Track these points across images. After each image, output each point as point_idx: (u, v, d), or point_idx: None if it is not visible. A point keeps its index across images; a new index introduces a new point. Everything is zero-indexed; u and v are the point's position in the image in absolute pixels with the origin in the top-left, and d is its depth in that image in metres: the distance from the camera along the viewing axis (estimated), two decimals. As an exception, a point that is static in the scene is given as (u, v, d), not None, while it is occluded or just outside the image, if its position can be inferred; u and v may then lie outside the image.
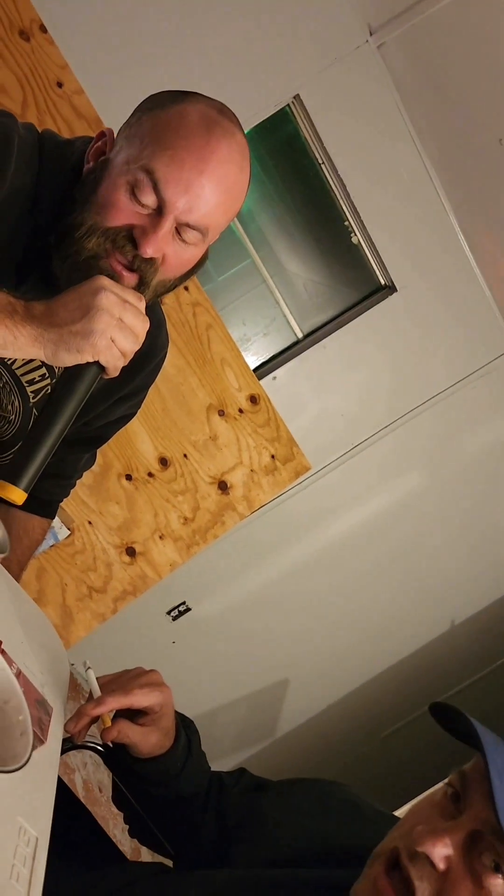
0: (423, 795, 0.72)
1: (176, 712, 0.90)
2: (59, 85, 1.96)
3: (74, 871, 0.84)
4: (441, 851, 0.62)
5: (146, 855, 2.03)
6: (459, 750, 0.71)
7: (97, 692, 0.81)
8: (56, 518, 2.11)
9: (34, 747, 0.52)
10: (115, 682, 0.84)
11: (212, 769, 0.96)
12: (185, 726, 0.91)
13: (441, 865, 0.62)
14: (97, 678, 0.85)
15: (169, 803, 0.88)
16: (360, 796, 0.89)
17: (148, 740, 0.83)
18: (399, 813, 0.91)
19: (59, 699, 0.81)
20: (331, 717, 3.15)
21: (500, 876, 0.61)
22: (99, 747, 0.89)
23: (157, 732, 0.84)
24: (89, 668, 0.84)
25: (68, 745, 0.98)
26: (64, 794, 0.91)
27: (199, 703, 2.97)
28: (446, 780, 0.70)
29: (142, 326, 0.81)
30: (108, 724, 0.80)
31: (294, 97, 2.41)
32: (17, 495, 0.75)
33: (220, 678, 2.96)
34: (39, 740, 0.60)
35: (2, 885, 0.56)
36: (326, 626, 3.00)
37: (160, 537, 2.26)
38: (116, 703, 0.80)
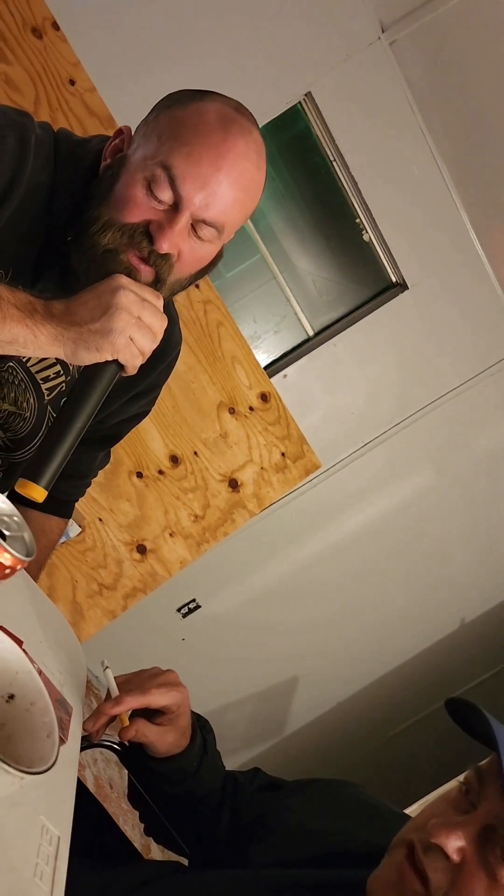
0: (438, 792, 0.73)
1: (192, 712, 0.90)
2: (72, 83, 1.96)
3: (89, 868, 0.84)
4: (455, 843, 0.63)
5: (157, 850, 2.04)
6: (466, 749, 0.72)
7: (115, 691, 0.81)
8: (67, 515, 2.12)
9: (60, 743, 0.52)
10: (133, 682, 0.84)
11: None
12: (200, 726, 0.92)
13: (455, 857, 0.63)
14: (114, 677, 0.85)
15: (184, 801, 0.89)
16: (375, 797, 0.89)
17: (164, 739, 0.84)
18: (410, 811, 0.92)
19: (77, 698, 0.82)
20: (339, 715, 3.16)
21: None
22: (116, 746, 0.90)
23: (173, 732, 0.85)
24: (107, 667, 0.84)
25: (86, 743, 0.99)
26: (77, 790, 0.92)
27: (207, 700, 2.98)
28: (461, 777, 0.71)
29: (160, 325, 0.82)
30: (126, 723, 0.81)
31: (306, 94, 2.40)
32: (39, 493, 0.75)
33: (230, 675, 2.97)
34: (61, 740, 0.61)
35: (26, 883, 0.56)
36: (335, 623, 3.00)
37: (170, 535, 2.26)
38: (135, 702, 0.80)
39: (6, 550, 0.59)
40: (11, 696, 0.53)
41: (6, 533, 0.60)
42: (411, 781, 2.82)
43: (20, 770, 0.45)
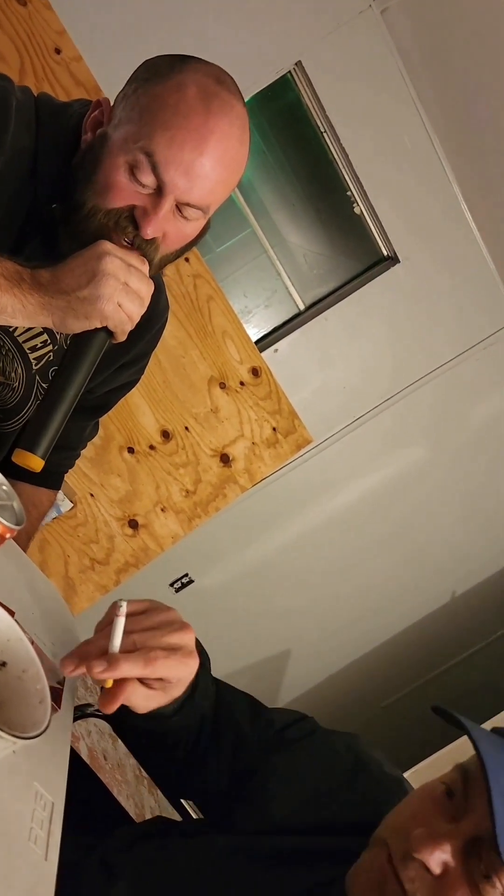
0: (422, 787, 0.71)
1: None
2: (57, 51, 1.93)
3: (74, 833, 0.83)
4: (439, 857, 0.61)
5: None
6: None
7: (115, 647, 0.66)
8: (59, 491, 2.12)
9: (52, 711, 0.52)
10: (139, 637, 0.68)
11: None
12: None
13: (437, 871, 0.61)
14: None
15: (155, 741, 0.80)
16: (371, 753, 0.88)
17: (149, 705, 0.73)
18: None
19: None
20: (332, 687, 3.19)
21: (499, 883, 0.60)
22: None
23: (163, 699, 0.74)
24: (120, 615, 0.67)
25: (79, 713, 0.99)
26: (72, 761, 0.92)
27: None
28: (445, 777, 0.69)
29: (147, 289, 0.82)
30: (109, 685, 0.67)
31: (296, 64, 2.37)
32: (36, 462, 0.76)
33: (223, 649, 2.99)
34: (54, 708, 0.61)
35: (21, 846, 0.57)
36: (328, 597, 3.02)
37: (162, 510, 2.27)
38: (131, 671, 0.66)
39: (-4, 519, 0.59)
40: (3, 664, 0.54)
41: (-5, 502, 0.60)
42: (403, 751, 2.87)
43: (13, 735, 0.45)
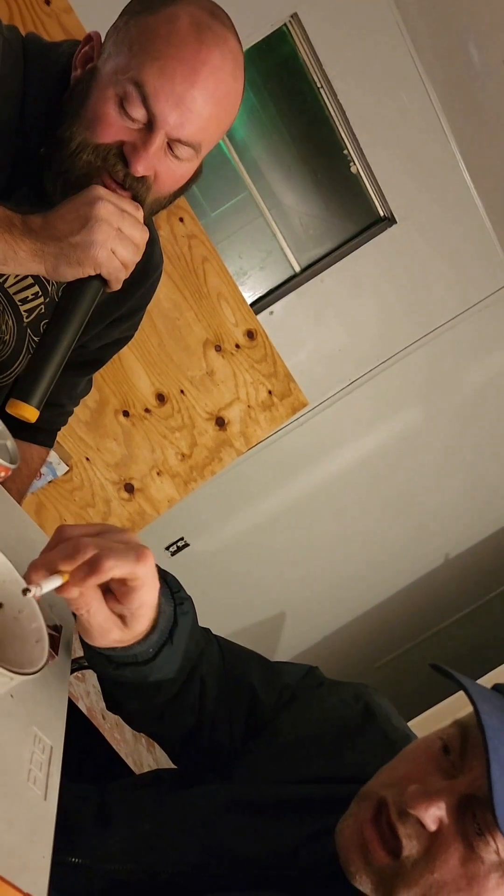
0: (418, 742, 0.72)
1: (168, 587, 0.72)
2: (47, 2, 1.87)
3: (75, 782, 0.80)
4: (434, 813, 0.61)
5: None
6: (447, 682, 0.70)
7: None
8: (54, 454, 2.11)
9: (49, 658, 0.53)
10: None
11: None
12: (176, 604, 0.73)
13: (432, 827, 0.61)
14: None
15: (135, 691, 0.74)
16: (380, 703, 0.87)
17: (107, 629, 0.63)
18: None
19: (67, 616, 0.83)
20: (326, 648, 3.23)
21: (493, 841, 0.60)
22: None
23: (124, 631, 0.64)
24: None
25: (75, 665, 1.00)
26: (75, 714, 0.92)
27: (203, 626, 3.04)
28: (443, 733, 0.69)
29: (141, 236, 0.80)
30: (66, 579, 0.57)
31: (291, 16, 2.31)
32: (31, 412, 0.75)
33: (218, 612, 3.02)
34: (52, 655, 0.62)
35: (20, 786, 0.58)
36: (322, 560, 3.04)
37: (158, 473, 2.27)
38: (82, 556, 0.57)
39: (-10, 460, 0.58)
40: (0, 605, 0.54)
41: (-12, 443, 0.60)
42: (397, 709, 2.91)
43: (10, 670, 0.45)
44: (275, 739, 0.82)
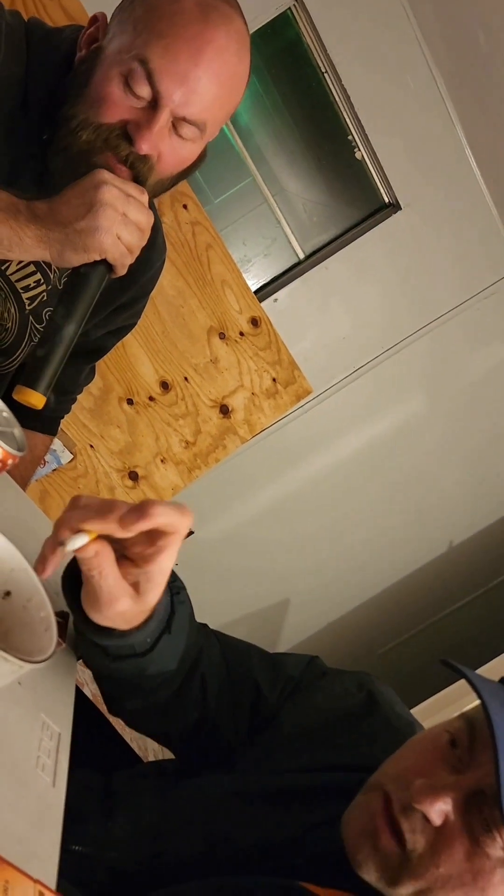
0: (425, 734, 0.71)
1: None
2: (49, -15, 1.86)
3: (82, 768, 0.79)
4: (440, 808, 0.61)
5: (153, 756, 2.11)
6: (449, 672, 0.69)
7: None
8: (58, 442, 2.11)
9: (57, 646, 0.53)
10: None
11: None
12: (173, 594, 0.72)
13: (438, 822, 0.61)
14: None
15: (132, 685, 0.73)
16: (383, 691, 0.87)
17: (114, 602, 0.60)
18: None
19: (73, 606, 0.83)
20: (329, 635, 3.24)
21: (499, 837, 0.60)
22: None
23: (130, 600, 0.61)
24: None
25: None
26: (83, 703, 0.92)
27: (200, 622, 3.04)
28: (450, 726, 0.68)
29: (147, 221, 0.79)
30: (93, 537, 0.56)
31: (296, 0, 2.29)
32: (38, 399, 0.75)
33: (222, 599, 3.03)
34: (59, 643, 0.62)
35: (28, 773, 0.58)
36: (326, 546, 3.05)
37: (162, 461, 2.27)
38: (128, 516, 0.55)
39: (-3, 445, 0.58)
40: (8, 593, 0.54)
41: (-4, 430, 0.60)
42: (401, 696, 2.92)
43: (20, 658, 0.45)
44: (279, 731, 0.82)
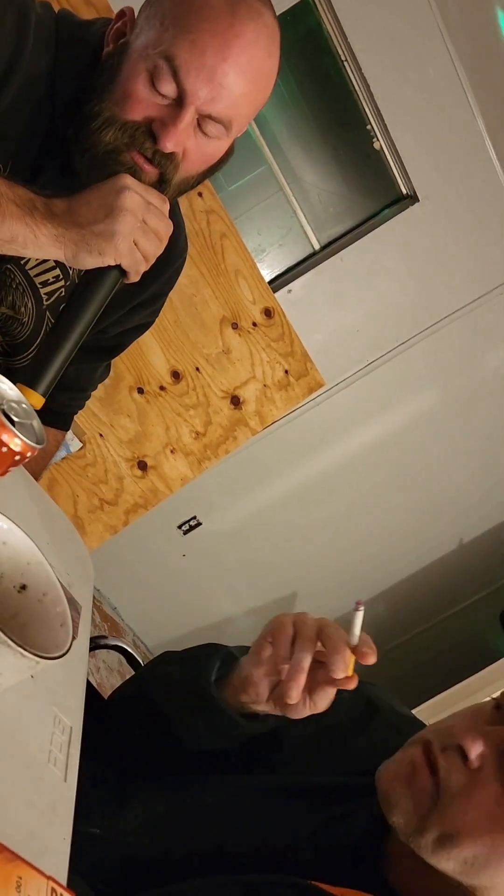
0: (470, 706, 0.73)
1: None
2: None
3: (93, 760, 0.82)
4: (479, 748, 0.63)
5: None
6: (460, 668, 0.72)
7: (355, 639, 0.75)
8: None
9: (72, 639, 0.52)
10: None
11: None
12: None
13: (476, 762, 0.63)
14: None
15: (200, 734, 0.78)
16: (379, 695, 0.88)
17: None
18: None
19: (85, 597, 0.82)
20: (336, 630, 3.23)
21: None
22: (129, 649, 0.89)
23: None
24: (359, 609, 0.77)
25: (93, 644, 1.00)
26: (93, 693, 0.91)
27: (208, 615, 3.04)
28: (496, 694, 0.71)
29: (165, 229, 0.79)
30: (351, 672, 0.71)
31: (317, -14, 2.26)
32: (36, 400, 0.74)
33: (230, 591, 3.03)
34: (72, 636, 0.61)
35: (40, 767, 0.57)
36: (335, 541, 3.04)
37: (171, 451, 2.26)
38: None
39: (16, 436, 0.57)
40: (24, 587, 0.53)
41: (15, 419, 0.59)
42: (406, 693, 2.92)
43: (36, 655, 0.44)
44: (286, 740, 0.82)
